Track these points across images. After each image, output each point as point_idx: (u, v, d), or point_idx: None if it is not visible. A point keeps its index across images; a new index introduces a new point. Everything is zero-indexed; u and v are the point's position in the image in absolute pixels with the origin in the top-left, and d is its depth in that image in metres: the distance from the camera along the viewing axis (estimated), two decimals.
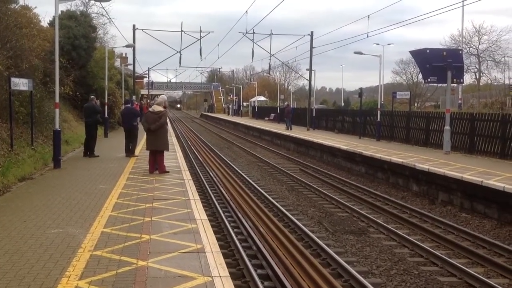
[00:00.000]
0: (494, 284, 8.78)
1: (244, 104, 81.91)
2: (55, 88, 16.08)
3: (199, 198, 11.05)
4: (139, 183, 12.74)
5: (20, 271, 6.19)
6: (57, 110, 16.02)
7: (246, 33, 41.85)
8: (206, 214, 9.80)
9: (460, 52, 24.63)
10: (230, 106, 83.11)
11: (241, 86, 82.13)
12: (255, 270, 9.23)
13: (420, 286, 9.06)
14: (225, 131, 53.78)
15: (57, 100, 15.97)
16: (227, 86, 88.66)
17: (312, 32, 39.93)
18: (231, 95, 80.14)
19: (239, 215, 13.73)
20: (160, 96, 16.41)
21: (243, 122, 55.74)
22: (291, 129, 38.56)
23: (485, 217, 14.02)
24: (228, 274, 6.08)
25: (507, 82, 48.69)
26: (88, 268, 6.24)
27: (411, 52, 23.79)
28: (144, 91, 74.42)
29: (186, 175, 14.57)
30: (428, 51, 22.17)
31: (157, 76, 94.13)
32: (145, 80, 79.14)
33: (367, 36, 30.61)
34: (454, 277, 9.50)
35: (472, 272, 9.42)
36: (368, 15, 31.96)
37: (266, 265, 9.73)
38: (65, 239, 7.53)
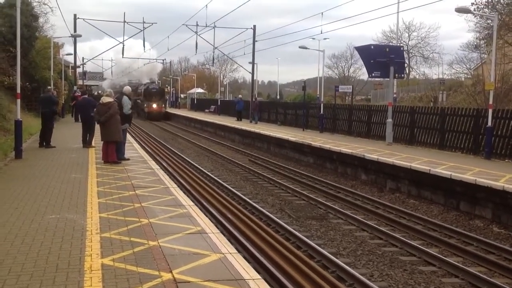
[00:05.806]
0: (452, 261, 9.80)
1: (182, 96, 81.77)
2: (16, 79, 16.08)
3: (177, 186, 11.55)
4: (110, 172, 13.04)
5: (40, 252, 6.54)
6: (18, 101, 16.02)
7: (203, 26, 41.90)
8: None
9: (402, 48, 26.02)
10: (167, 97, 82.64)
11: (178, 78, 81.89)
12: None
13: (386, 264, 9.96)
14: (165, 123, 53.76)
15: (18, 90, 15.97)
16: (163, 77, 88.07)
17: (254, 26, 40.73)
18: (168, 87, 79.88)
19: (203, 202, 14.25)
20: (125, 87, 16.65)
21: (183, 114, 55.89)
22: (256, 122, 38.23)
23: (432, 203, 15.20)
24: (236, 251, 6.69)
25: (439, 77, 51.29)
26: (104, 248, 6.67)
27: (356, 48, 24.96)
28: (79, 82, 72.98)
29: (153, 164, 14.98)
30: (372, 47, 23.42)
31: (93, 66, 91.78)
32: (78, 70, 77.53)
33: (321, 32, 32.22)
34: (413, 256, 10.48)
35: (430, 251, 10.44)
36: (322, 12, 33.36)
37: (242, 249, 10.36)
38: (67, 224, 7.89)
